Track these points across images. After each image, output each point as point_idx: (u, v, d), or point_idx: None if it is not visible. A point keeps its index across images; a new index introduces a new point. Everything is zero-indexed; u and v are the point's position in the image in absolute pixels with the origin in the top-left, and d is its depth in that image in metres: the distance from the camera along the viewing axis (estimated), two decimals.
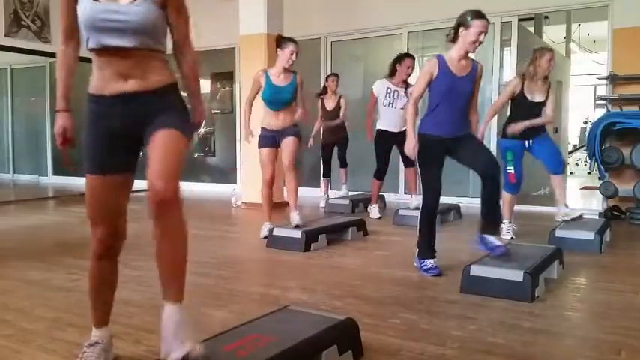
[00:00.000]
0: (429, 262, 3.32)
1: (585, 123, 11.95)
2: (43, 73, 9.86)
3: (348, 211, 5.91)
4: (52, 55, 7.60)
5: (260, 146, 4.44)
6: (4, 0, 7.00)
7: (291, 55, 4.33)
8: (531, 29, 7.87)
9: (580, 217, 4.31)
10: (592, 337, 2.35)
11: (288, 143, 4.38)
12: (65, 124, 1.83)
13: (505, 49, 6.67)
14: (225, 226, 5.14)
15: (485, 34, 3.18)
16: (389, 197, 6.70)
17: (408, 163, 5.57)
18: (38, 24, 7.22)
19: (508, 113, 4.49)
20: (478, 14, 3.17)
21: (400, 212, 5.31)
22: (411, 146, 3.26)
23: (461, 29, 3.19)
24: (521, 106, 4.29)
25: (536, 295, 2.79)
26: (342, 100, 6.43)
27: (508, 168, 4.33)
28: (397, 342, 2.22)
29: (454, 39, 3.24)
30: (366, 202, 6.15)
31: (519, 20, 6.60)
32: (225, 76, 8.50)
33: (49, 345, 2.20)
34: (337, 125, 6.43)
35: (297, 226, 4.22)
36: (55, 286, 3.11)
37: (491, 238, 3.25)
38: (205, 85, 8.93)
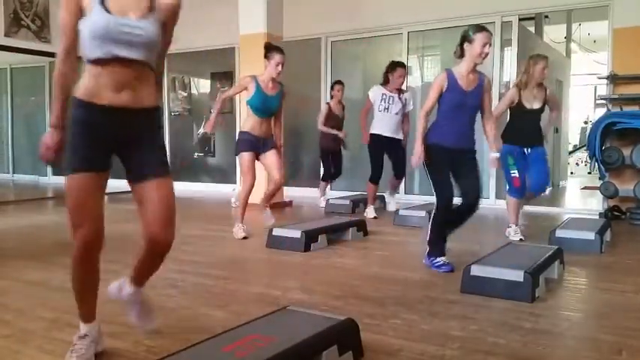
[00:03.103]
0: (440, 259, 3.42)
1: (586, 123, 11.95)
2: (43, 72, 9.86)
3: (348, 211, 5.91)
4: (52, 54, 7.63)
5: (241, 150, 4.46)
6: (3, 0, 7.00)
7: (277, 66, 4.33)
8: (532, 29, 7.87)
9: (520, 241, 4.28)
10: (593, 337, 2.34)
11: (272, 156, 4.48)
12: (62, 139, 1.89)
13: (505, 48, 6.67)
14: (225, 226, 5.13)
15: (489, 46, 3.35)
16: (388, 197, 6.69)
17: (398, 174, 5.77)
18: (38, 24, 7.21)
19: (507, 121, 4.52)
20: (479, 28, 3.37)
21: (400, 212, 5.31)
22: (417, 155, 3.41)
23: (465, 44, 3.35)
24: (518, 115, 4.37)
25: (536, 295, 2.79)
26: (344, 110, 6.57)
27: (512, 172, 4.36)
28: (397, 342, 2.22)
29: (461, 55, 3.40)
30: (367, 202, 6.15)
31: (520, 20, 6.60)
32: (225, 76, 8.50)
33: (48, 345, 2.19)
34: (338, 135, 6.52)
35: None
36: (55, 286, 3.10)
37: (440, 259, 3.42)
38: (205, 85, 8.93)
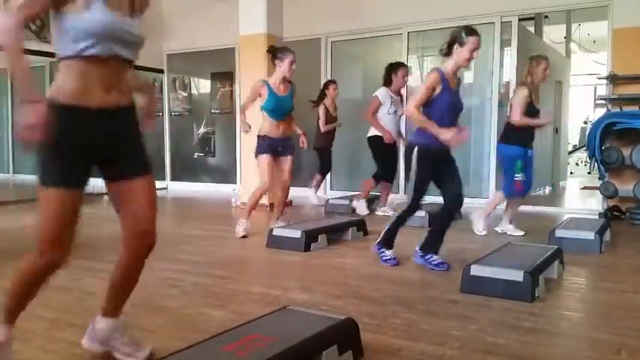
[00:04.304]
0: (389, 253, 3.59)
1: (585, 123, 11.95)
2: (43, 73, 9.85)
3: (348, 211, 5.91)
4: (52, 55, 7.65)
5: (260, 152, 4.52)
6: (4, 0, 7.00)
7: (291, 65, 4.42)
8: (531, 29, 7.87)
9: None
10: (592, 337, 2.35)
11: (287, 162, 4.59)
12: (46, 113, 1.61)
13: (505, 49, 6.67)
14: (225, 226, 5.13)
15: (478, 51, 3.28)
16: (389, 197, 6.69)
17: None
18: (38, 24, 7.22)
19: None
20: (472, 31, 3.28)
21: None
22: (450, 135, 3.21)
23: (455, 46, 3.27)
24: (529, 116, 4.40)
25: (536, 295, 2.79)
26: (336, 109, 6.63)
27: (516, 175, 4.42)
28: (397, 342, 2.22)
29: (448, 53, 3.32)
30: (367, 201, 6.15)
31: (519, 20, 6.60)
32: (225, 76, 8.51)
33: (49, 345, 2.19)
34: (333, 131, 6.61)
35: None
36: (55, 286, 3.08)
37: (435, 257, 3.44)
38: (205, 85, 8.94)
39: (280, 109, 4.47)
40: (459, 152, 6.68)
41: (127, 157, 1.85)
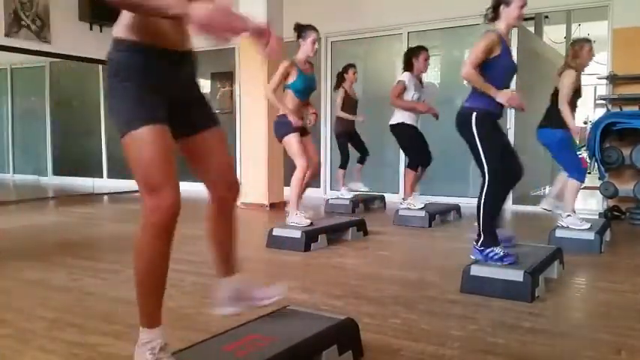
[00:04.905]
0: (498, 250, 2.99)
1: (585, 123, 11.93)
2: (43, 72, 9.86)
3: (348, 211, 5.91)
4: (52, 55, 7.66)
5: (288, 132, 4.26)
6: (4, 0, 7.00)
7: (314, 43, 4.33)
8: (531, 29, 7.87)
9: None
10: (592, 337, 2.35)
11: (310, 143, 4.47)
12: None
13: None
14: None
15: (526, 6, 3.14)
16: (389, 197, 6.70)
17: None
18: (38, 24, 7.21)
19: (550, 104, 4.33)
20: None
21: (400, 212, 5.30)
22: (507, 96, 2.98)
23: (502, 7, 3.11)
24: (575, 99, 4.26)
25: (536, 295, 2.79)
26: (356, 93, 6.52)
27: (579, 154, 4.27)
28: (397, 342, 2.22)
29: (494, 17, 3.16)
30: (367, 201, 6.14)
31: None
32: (225, 76, 8.50)
33: (49, 345, 2.19)
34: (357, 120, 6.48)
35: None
36: (55, 286, 3.11)
37: (497, 249, 3.01)
38: (205, 85, 8.93)
39: (309, 88, 4.38)
40: (459, 151, 6.71)
41: (198, 108, 1.75)
